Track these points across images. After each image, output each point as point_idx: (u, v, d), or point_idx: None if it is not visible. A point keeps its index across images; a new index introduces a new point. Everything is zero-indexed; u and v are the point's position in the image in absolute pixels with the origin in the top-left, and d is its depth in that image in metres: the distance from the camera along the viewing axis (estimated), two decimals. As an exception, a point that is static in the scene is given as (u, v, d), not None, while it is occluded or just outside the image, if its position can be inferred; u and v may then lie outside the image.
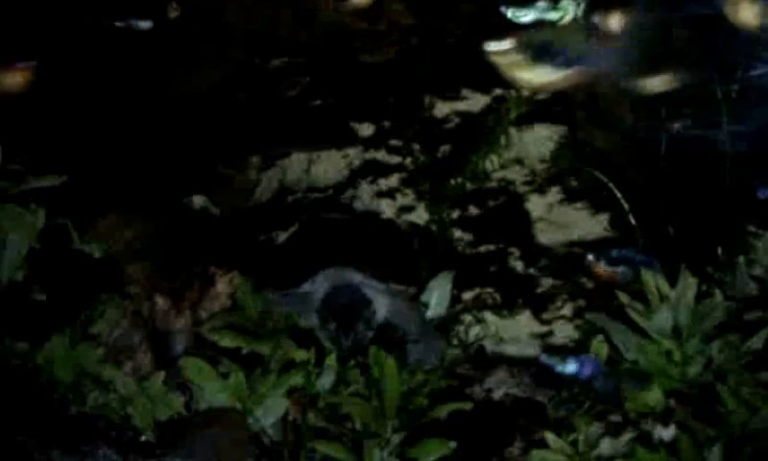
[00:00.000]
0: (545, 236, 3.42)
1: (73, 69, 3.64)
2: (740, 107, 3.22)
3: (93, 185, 3.20)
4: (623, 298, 2.67)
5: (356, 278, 2.84)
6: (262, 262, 3.17)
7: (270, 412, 2.56)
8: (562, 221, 3.42)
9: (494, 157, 3.54)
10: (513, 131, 3.58)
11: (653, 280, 2.67)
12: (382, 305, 2.80)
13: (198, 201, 3.53)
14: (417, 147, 3.62)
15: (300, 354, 2.60)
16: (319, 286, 2.80)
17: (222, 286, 2.94)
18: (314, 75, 3.91)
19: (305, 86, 3.87)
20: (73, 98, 3.58)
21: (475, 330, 3.06)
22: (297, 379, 2.58)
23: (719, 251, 2.99)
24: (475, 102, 3.70)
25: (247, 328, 2.69)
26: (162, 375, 2.63)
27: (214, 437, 2.43)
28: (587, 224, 3.40)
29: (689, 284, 2.63)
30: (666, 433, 2.42)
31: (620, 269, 2.85)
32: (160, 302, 2.84)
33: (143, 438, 2.53)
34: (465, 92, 3.71)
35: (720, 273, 2.94)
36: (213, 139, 3.74)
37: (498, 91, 3.68)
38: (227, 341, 2.65)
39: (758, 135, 3.19)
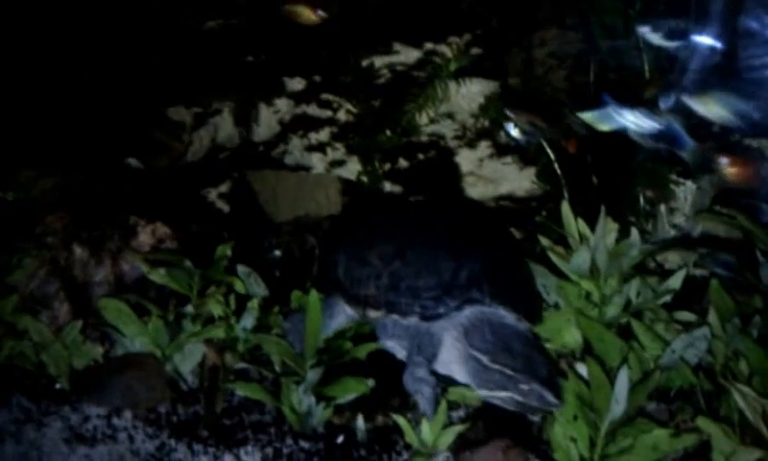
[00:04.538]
0: (475, 190, 3.42)
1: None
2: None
3: (14, 143, 3.14)
4: (544, 241, 2.68)
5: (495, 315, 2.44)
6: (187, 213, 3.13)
7: (188, 358, 2.54)
8: (491, 175, 3.43)
9: (427, 111, 3.53)
10: (444, 85, 3.57)
11: (574, 224, 2.68)
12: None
13: (131, 161, 3.49)
14: (348, 101, 3.60)
15: (221, 310, 2.57)
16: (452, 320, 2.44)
17: (144, 237, 2.89)
18: (246, 33, 3.86)
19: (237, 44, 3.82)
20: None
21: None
22: (218, 332, 2.55)
23: (641, 199, 3.02)
24: (407, 56, 3.68)
25: (181, 272, 2.64)
26: (79, 323, 2.58)
27: (129, 381, 2.39)
28: (515, 177, 3.41)
29: (609, 227, 2.64)
30: (585, 370, 2.43)
31: None
32: (78, 251, 2.77)
33: (57, 386, 2.49)
34: (397, 47, 3.69)
35: (642, 220, 2.97)
36: (143, 98, 3.68)
37: (430, 46, 3.67)
38: (155, 275, 2.60)
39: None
